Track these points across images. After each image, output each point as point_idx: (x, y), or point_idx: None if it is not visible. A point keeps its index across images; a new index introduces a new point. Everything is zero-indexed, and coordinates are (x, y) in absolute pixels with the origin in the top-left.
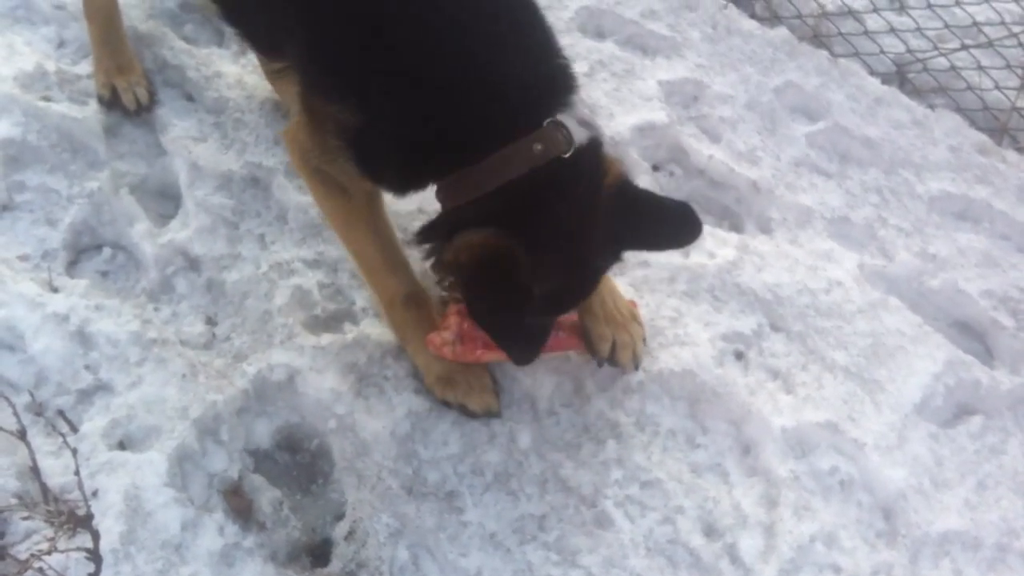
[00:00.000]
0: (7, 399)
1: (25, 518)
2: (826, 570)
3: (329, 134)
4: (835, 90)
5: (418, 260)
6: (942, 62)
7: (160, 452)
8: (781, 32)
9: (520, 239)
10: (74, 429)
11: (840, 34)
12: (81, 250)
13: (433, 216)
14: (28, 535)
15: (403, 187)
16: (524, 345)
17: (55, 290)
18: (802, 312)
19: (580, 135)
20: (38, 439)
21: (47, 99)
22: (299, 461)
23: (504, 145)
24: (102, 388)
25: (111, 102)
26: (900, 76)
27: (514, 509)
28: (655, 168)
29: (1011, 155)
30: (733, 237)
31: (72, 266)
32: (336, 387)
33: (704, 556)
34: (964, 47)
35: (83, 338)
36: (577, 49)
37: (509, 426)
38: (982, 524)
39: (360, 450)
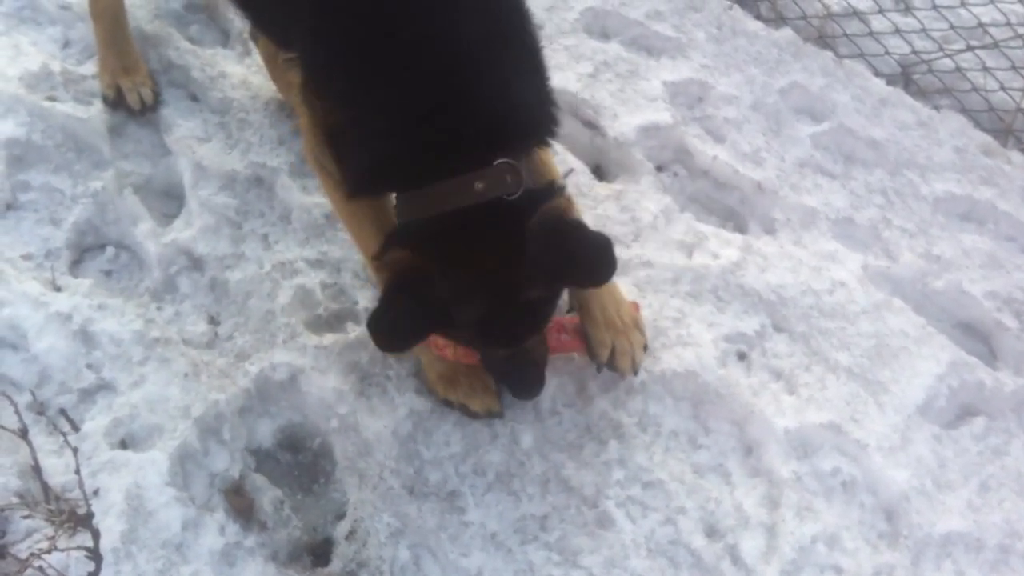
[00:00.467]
0: (9, 398)
1: (26, 517)
2: (828, 571)
3: (320, 128)
4: (840, 91)
5: None
6: (947, 63)
7: (162, 451)
8: (786, 33)
9: (437, 266)
10: (76, 428)
11: (845, 35)
12: (85, 249)
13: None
14: (29, 534)
15: (364, 192)
16: (529, 380)
17: (58, 289)
18: (806, 313)
19: (537, 180)
20: (40, 438)
21: (52, 99)
22: (301, 461)
23: (450, 177)
24: (104, 387)
25: (116, 102)
26: (905, 77)
27: (516, 509)
28: (659, 169)
29: (1016, 156)
30: (737, 238)
31: (76, 265)
32: (338, 387)
33: (706, 557)
34: (969, 48)
35: (86, 337)
36: (582, 50)
37: (511, 426)
38: (985, 526)
39: (362, 450)
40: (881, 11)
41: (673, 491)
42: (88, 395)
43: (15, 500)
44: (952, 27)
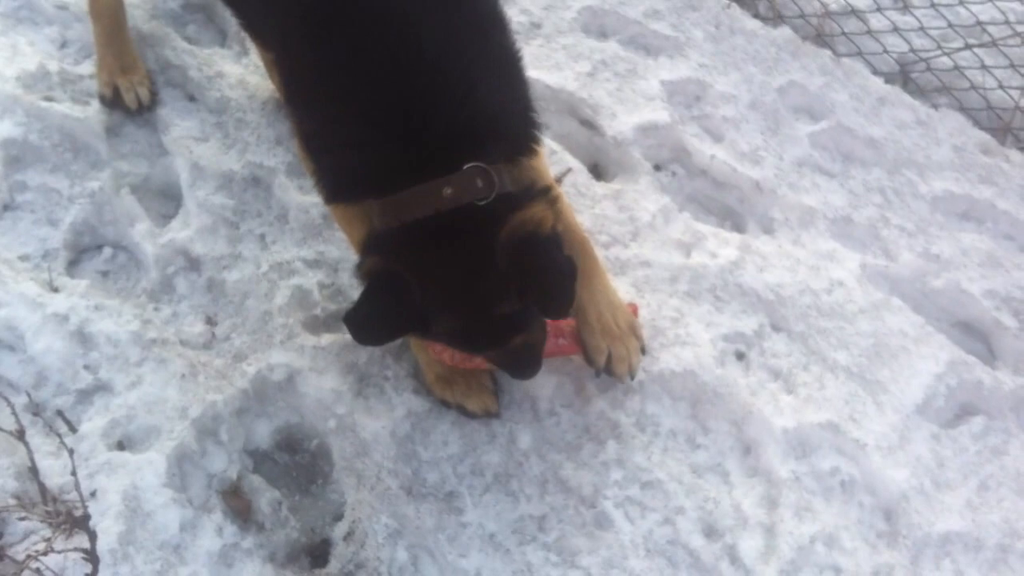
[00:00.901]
0: (6, 399)
1: (23, 518)
2: (827, 571)
3: (297, 131)
4: (838, 90)
5: None
6: (946, 61)
7: (159, 452)
8: (784, 32)
9: (410, 275)
10: (73, 429)
11: (843, 33)
12: (82, 250)
13: None
14: (26, 535)
15: (340, 199)
16: (525, 366)
17: (55, 290)
18: (804, 312)
19: (513, 184)
20: (37, 439)
21: (49, 99)
22: (298, 461)
23: (418, 183)
24: (102, 388)
25: (113, 102)
26: (904, 76)
27: (514, 510)
28: (657, 168)
29: (1015, 155)
30: (735, 237)
31: (73, 266)
32: (336, 387)
33: (704, 557)
34: (968, 46)
35: (83, 338)
36: (580, 49)
37: (509, 427)
38: (984, 525)
39: (360, 450)
40: (879, 9)
41: (671, 491)
42: (85, 396)
43: (12, 501)
44: (950, 25)
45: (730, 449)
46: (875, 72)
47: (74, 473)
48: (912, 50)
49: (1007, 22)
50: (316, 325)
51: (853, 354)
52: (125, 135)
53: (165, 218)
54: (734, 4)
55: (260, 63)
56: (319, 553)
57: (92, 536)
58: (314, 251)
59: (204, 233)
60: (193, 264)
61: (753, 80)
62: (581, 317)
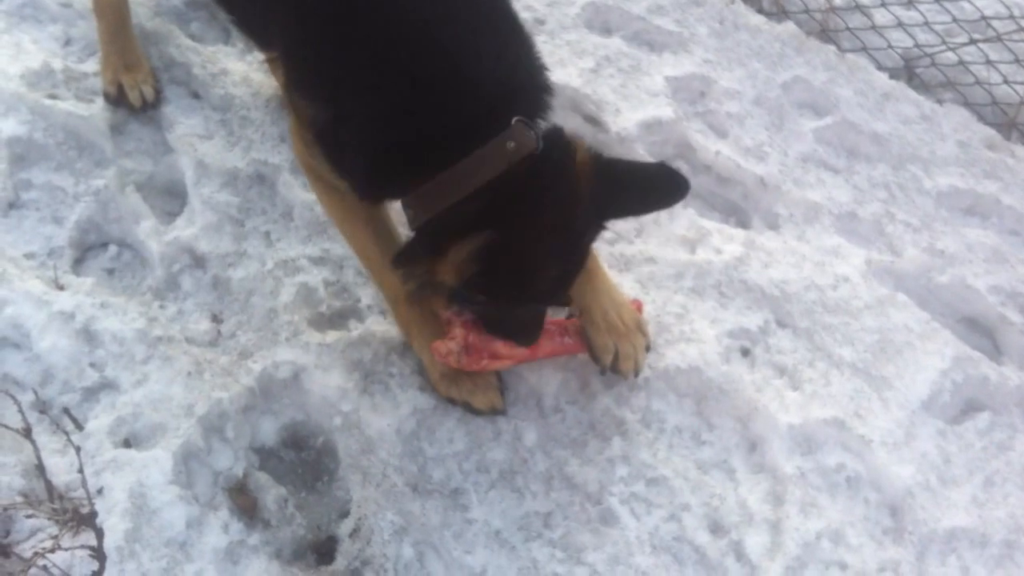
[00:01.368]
0: (12, 397)
1: (30, 516)
2: (832, 567)
3: (306, 128)
4: (843, 85)
5: None
6: (950, 56)
7: (165, 450)
8: (788, 27)
9: (516, 234)
10: (79, 427)
11: (848, 29)
12: (87, 248)
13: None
14: (33, 533)
15: (371, 192)
16: (530, 330)
17: (61, 288)
18: (809, 308)
19: (543, 128)
20: (44, 437)
21: (53, 97)
22: (304, 459)
23: (477, 146)
24: (108, 386)
25: (117, 99)
26: (908, 71)
27: (519, 506)
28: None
29: (1020, 150)
30: (740, 233)
31: (78, 264)
32: (341, 385)
33: (710, 553)
34: (972, 41)
35: (89, 336)
36: (583, 45)
37: (514, 423)
38: (990, 521)
39: (365, 447)
40: (884, 4)
41: (677, 488)
42: (91, 394)
43: (19, 499)
44: (955, 20)
45: (735, 445)
46: (879, 67)
47: (81, 471)
48: (917, 45)
49: (1012, 17)
50: (321, 322)
51: (858, 350)
52: (129, 133)
53: (170, 216)
54: (738, 0)
55: (264, 60)
56: (325, 550)
57: (99, 533)
58: (319, 248)
59: (209, 231)
60: (198, 262)
61: (757, 76)
62: (586, 316)
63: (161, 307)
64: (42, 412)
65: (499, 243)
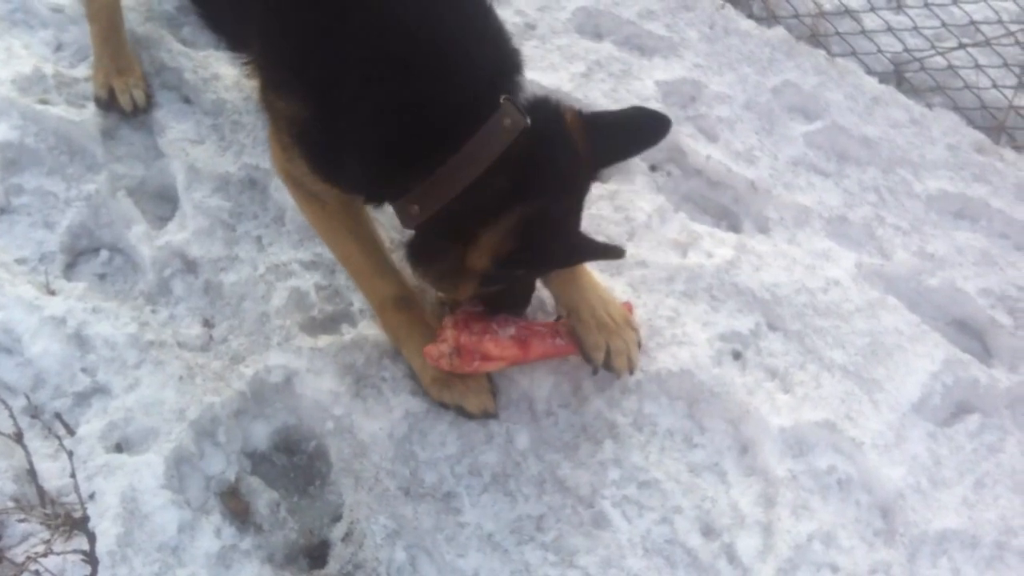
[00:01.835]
0: (4, 402)
1: (22, 521)
2: (824, 569)
3: (284, 132)
4: (833, 89)
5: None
6: (940, 61)
7: (157, 454)
8: (778, 32)
9: (545, 204)
10: (71, 432)
11: (838, 33)
12: (79, 253)
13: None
14: (25, 538)
15: (369, 193)
16: (523, 298)
17: (52, 293)
18: (800, 311)
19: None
20: (35, 442)
21: (45, 102)
22: (296, 463)
23: (475, 129)
24: (99, 391)
25: (108, 104)
26: (898, 75)
27: (512, 510)
28: (653, 168)
29: (1009, 153)
30: (731, 237)
31: (69, 269)
32: (334, 389)
33: (702, 556)
34: (962, 46)
35: (80, 341)
36: (574, 50)
37: (507, 427)
38: (980, 523)
39: (357, 451)
40: (873, 9)
41: (669, 490)
42: (83, 399)
43: (11, 504)
44: (944, 25)
45: (727, 448)
46: (869, 72)
47: (73, 475)
48: (906, 50)
49: (1000, 21)
50: (313, 327)
51: (849, 353)
52: (121, 138)
53: (161, 220)
54: (728, 4)
55: None
56: (317, 554)
57: (91, 538)
58: (311, 253)
59: (201, 235)
60: (190, 266)
61: (748, 80)
62: (574, 315)
63: (153, 312)
64: (34, 417)
65: (533, 215)
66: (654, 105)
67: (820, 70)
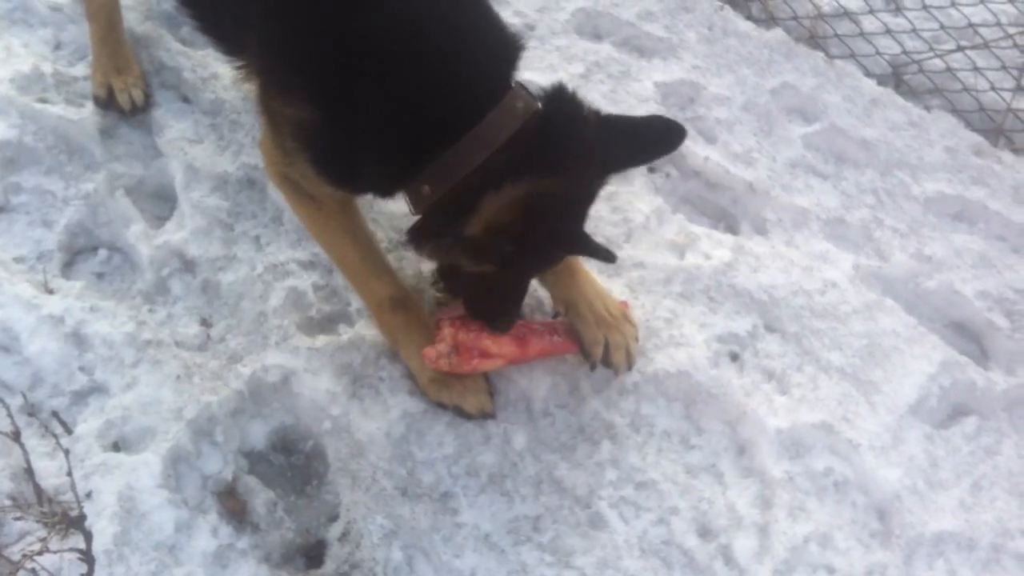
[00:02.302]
0: (1, 401)
1: (18, 519)
2: (820, 571)
3: (286, 136)
4: (831, 91)
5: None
6: (938, 63)
7: (154, 453)
8: (777, 34)
9: (550, 182)
10: (68, 431)
11: (836, 35)
12: (77, 252)
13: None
14: (22, 536)
15: (384, 185)
16: (511, 307)
17: (50, 292)
18: (797, 313)
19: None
20: (33, 440)
21: (44, 101)
22: (294, 462)
23: (490, 108)
24: (97, 389)
25: (107, 103)
26: (896, 77)
27: (509, 510)
28: (651, 170)
29: (1007, 156)
30: (729, 238)
31: (68, 268)
32: (331, 388)
33: (698, 557)
34: (960, 48)
35: (78, 340)
36: (573, 51)
37: (504, 427)
38: (977, 525)
39: (355, 451)
40: (872, 11)
41: (666, 491)
42: (81, 397)
43: (8, 502)
44: (942, 27)
45: (724, 450)
46: (868, 74)
47: (70, 474)
48: (904, 52)
49: (999, 24)
50: (311, 326)
51: (846, 355)
52: (119, 137)
53: (160, 220)
54: (727, 6)
55: None
56: (314, 554)
57: (87, 537)
58: (309, 252)
59: (199, 235)
60: (188, 266)
61: (746, 82)
62: (572, 310)
63: (151, 311)
64: (31, 415)
65: (537, 192)
66: (652, 106)
67: (818, 72)
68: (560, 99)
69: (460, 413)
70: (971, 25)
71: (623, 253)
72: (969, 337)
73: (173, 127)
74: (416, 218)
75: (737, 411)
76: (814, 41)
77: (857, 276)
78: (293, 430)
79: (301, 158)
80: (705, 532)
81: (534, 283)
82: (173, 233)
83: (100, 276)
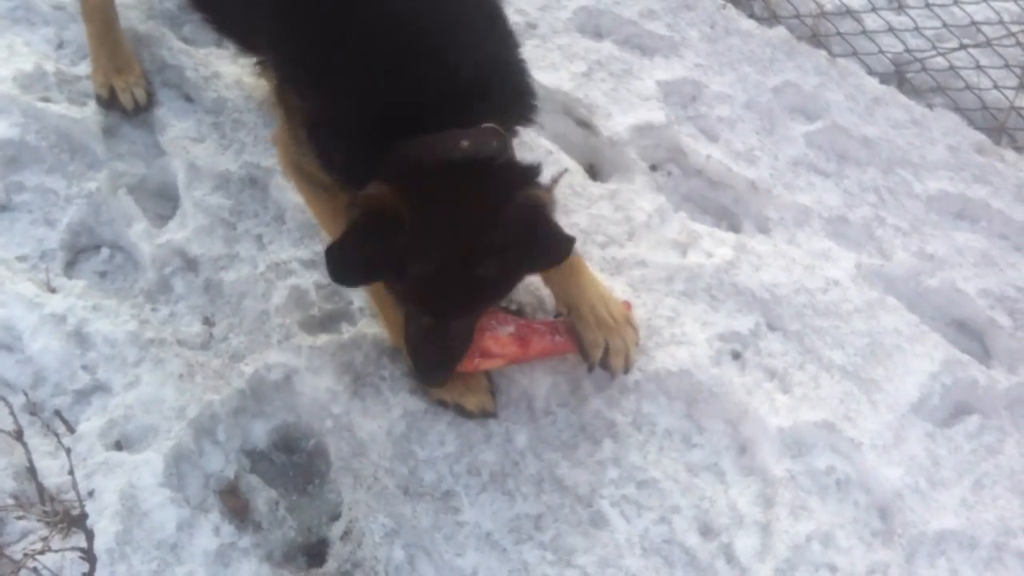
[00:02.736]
0: (4, 399)
1: (21, 518)
2: (822, 569)
3: (299, 128)
4: (833, 90)
5: None
6: (940, 62)
7: (157, 452)
8: (779, 32)
9: (411, 206)
10: (71, 429)
11: (838, 34)
12: (79, 250)
13: None
14: (24, 535)
15: (347, 176)
16: (435, 361)
17: (53, 290)
18: (799, 312)
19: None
20: (35, 439)
21: (46, 99)
22: (295, 461)
23: (438, 132)
24: (99, 388)
25: (109, 102)
26: (898, 76)
27: (510, 509)
28: (653, 168)
29: (1009, 154)
30: (731, 237)
31: (70, 266)
32: (333, 387)
33: (700, 556)
34: (962, 47)
35: (81, 338)
36: (575, 49)
37: (505, 426)
38: (978, 523)
39: (356, 450)
40: (874, 9)
41: (667, 490)
42: (83, 396)
43: (10, 501)
44: (945, 25)
45: (726, 448)
46: (870, 72)
47: (72, 473)
48: (907, 50)
49: (1001, 22)
50: (313, 325)
51: (848, 353)
52: (122, 135)
53: (162, 218)
54: (729, 4)
55: None
56: (316, 552)
57: (89, 535)
58: (311, 251)
59: (201, 233)
60: (190, 264)
61: (748, 80)
62: (574, 312)
63: (153, 310)
64: (33, 414)
65: (390, 207)
66: (655, 104)
67: (821, 70)
68: (524, 172)
69: (461, 412)
70: (974, 23)
71: (625, 252)
72: (971, 335)
73: (175, 126)
74: None
75: (739, 410)
76: (816, 39)
77: (859, 274)
78: (295, 429)
79: (311, 148)
80: (707, 531)
81: (536, 282)
82: (175, 232)
83: (102, 275)
